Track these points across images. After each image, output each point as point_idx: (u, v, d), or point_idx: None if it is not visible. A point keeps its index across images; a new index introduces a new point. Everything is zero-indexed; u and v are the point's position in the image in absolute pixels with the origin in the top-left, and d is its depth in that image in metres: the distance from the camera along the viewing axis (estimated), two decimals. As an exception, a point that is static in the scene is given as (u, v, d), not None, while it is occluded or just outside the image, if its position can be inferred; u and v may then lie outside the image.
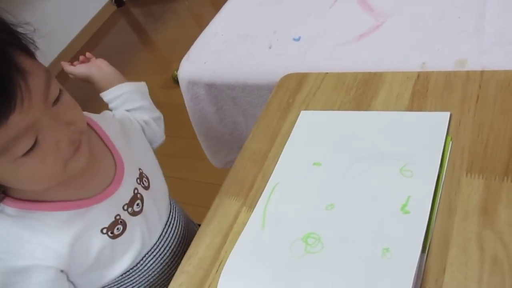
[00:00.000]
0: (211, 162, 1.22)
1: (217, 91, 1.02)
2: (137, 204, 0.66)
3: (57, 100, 0.52)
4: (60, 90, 0.53)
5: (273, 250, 0.57)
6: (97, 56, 0.84)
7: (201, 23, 2.29)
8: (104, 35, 3.16)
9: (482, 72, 0.66)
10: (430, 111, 0.64)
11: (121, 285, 0.69)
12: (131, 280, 0.69)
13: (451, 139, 0.59)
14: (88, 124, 0.65)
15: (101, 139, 0.67)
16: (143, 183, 0.69)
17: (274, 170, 0.67)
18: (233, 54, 0.98)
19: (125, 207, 0.65)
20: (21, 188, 0.56)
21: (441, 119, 0.61)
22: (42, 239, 0.57)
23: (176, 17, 2.90)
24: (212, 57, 1.01)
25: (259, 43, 0.97)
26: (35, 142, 0.49)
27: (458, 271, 0.48)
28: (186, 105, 1.10)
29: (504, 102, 0.61)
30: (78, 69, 0.81)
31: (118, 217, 0.64)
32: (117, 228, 0.64)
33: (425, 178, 0.55)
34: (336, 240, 0.54)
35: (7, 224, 0.57)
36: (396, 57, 0.78)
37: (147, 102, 0.80)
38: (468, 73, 0.67)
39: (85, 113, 0.68)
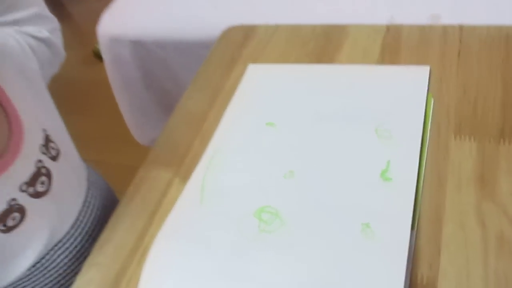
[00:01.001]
0: (135, 138, 1.05)
1: (144, 51, 0.86)
2: (42, 183, 0.48)
3: None
4: None
5: (215, 230, 0.43)
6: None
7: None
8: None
9: (461, 27, 0.57)
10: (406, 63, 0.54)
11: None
12: (32, 281, 0.52)
13: (432, 97, 0.49)
14: None
15: None
16: (49, 152, 0.51)
17: (215, 133, 0.53)
18: (165, 6, 0.83)
19: (24, 188, 0.47)
20: None
21: (420, 73, 0.51)
22: None
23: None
24: (140, 9, 0.85)
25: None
26: None
27: (457, 252, 0.38)
28: (106, 68, 0.92)
29: (489, 59, 0.52)
30: None
31: (13, 203, 0.46)
32: (12, 218, 0.46)
33: (407, 140, 0.45)
34: (300, 215, 0.41)
35: None
36: (358, 11, 0.67)
37: (39, 6, 0.58)
38: (445, 27, 0.58)
39: None
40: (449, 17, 0.63)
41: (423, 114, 0.47)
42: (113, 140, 1.61)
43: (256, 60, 0.62)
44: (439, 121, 0.47)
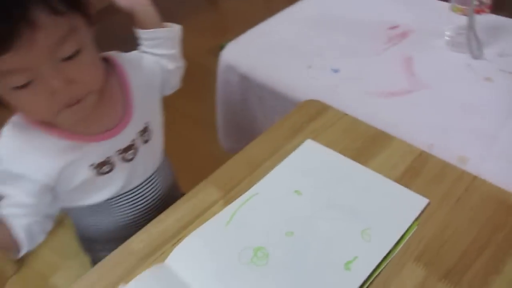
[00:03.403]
0: (220, 143, 1.28)
1: (248, 84, 1.08)
2: (131, 153, 0.74)
3: (70, 58, 0.57)
4: (79, 51, 0.58)
5: (225, 248, 0.63)
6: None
7: (270, 7, 2.30)
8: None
9: (474, 177, 0.70)
10: (414, 191, 0.69)
11: (96, 213, 0.78)
12: (103, 212, 0.78)
13: (417, 225, 0.64)
14: (114, 65, 0.72)
15: (121, 85, 0.73)
16: (143, 137, 0.76)
17: (260, 181, 0.73)
18: (274, 58, 1.03)
19: (119, 152, 0.72)
20: (22, 113, 0.64)
21: (419, 203, 0.66)
22: (38, 157, 0.65)
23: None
24: (255, 53, 1.07)
25: (301, 59, 1.02)
26: (29, 83, 0.55)
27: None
28: (218, 83, 1.16)
29: (477, 212, 0.66)
30: (121, 1, 0.76)
31: (109, 159, 0.71)
32: (104, 168, 0.72)
33: (378, 248, 0.61)
34: (280, 263, 0.60)
35: (16, 135, 0.65)
36: (411, 127, 0.82)
37: (177, 50, 0.83)
38: (463, 172, 0.71)
39: (114, 52, 0.75)
40: (474, 164, 0.75)
41: (402, 234, 0.63)
42: (204, 124, 1.85)
43: (315, 136, 0.80)
44: (409, 244, 0.62)
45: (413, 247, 0.62)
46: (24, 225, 0.67)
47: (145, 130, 0.76)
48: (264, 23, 1.18)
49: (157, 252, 0.66)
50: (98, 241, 0.84)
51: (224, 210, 0.69)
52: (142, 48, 0.80)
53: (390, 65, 0.98)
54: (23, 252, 0.68)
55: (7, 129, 0.66)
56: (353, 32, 1.09)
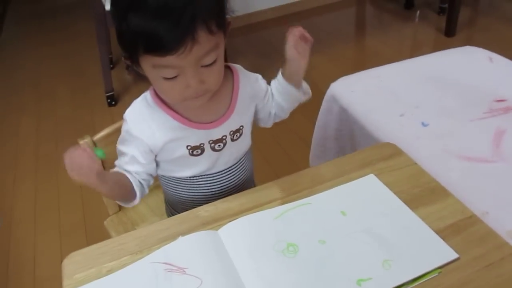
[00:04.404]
0: (310, 161, 1.41)
1: (346, 116, 1.19)
2: (219, 145, 0.90)
3: (208, 65, 0.75)
4: (215, 61, 0.75)
5: (266, 236, 0.76)
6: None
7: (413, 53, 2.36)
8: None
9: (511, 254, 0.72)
10: (449, 245, 0.73)
11: (180, 186, 0.96)
12: (185, 187, 0.96)
13: (438, 272, 0.70)
14: (233, 74, 0.89)
15: (232, 91, 0.89)
16: (235, 136, 0.92)
17: (316, 195, 0.84)
18: (373, 100, 1.13)
19: (210, 142, 0.89)
20: (159, 94, 0.83)
21: (448, 254, 0.71)
22: (154, 129, 0.85)
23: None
24: (360, 91, 1.17)
25: (397, 106, 1.10)
26: (175, 77, 0.74)
27: None
28: (320, 110, 1.29)
29: (503, 281, 0.68)
30: (293, 50, 0.81)
31: (201, 145, 0.88)
32: (196, 151, 0.89)
33: (393, 277, 0.68)
34: (305, 260, 0.71)
35: (143, 106, 0.86)
36: (473, 192, 0.85)
37: (290, 107, 0.95)
38: (505, 244, 0.74)
39: (238, 66, 0.92)
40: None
41: (420, 274, 0.68)
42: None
43: (379, 174, 0.88)
44: (427, 284, 0.68)
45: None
46: (139, 180, 0.87)
47: (237, 131, 0.91)
48: (378, 68, 1.28)
49: (216, 223, 0.81)
50: (177, 209, 1.01)
51: (278, 207, 0.82)
52: (271, 84, 0.95)
53: (481, 133, 1.01)
54: (135, 202, 0.88)
55: (139, 100, 0.87)
56: (458, 95, 1.14)
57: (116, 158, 0.90)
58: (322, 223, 0.78)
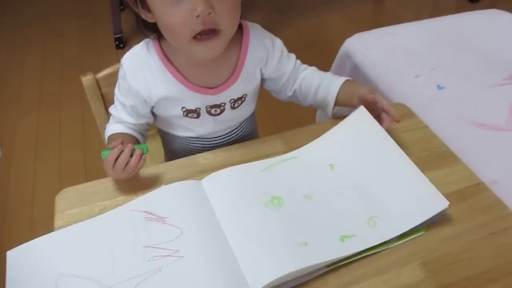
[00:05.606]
0: (316, 119, 1.37)
1: (358, 74, 1.14)
2: (216, 111, 0.85)
3: None
4: None
5: (250, 188, 0.72)
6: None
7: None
8: None
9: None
10: (454, 213, 0.70)
11: (178, 142, 0.92)
12: (182, 145, 0.92)
13: (425, 230, 0.67)
14: (243, 32, 0.81)
15: (240, 51, 0.81)
16: (235, 104, 0.86)
17: (304, 146, 0.81)
18: (388, 59, 1.08)
19: (207, 107, 0.84)
20: (165, 37, 0.75)
21: (437, 204, 0.67)
22: (150, 81, 0.79)
23: None
24: (374, 49, 1.12)
25: (413, 66, 1.05)
26: (178, 1, 0.66)
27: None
28: (332, 65, 1.24)
29: (504, 251, 0.66)
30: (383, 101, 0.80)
31: (197, 109, 0.83)
32: (192, 114, 0.84)
33: (376, 236, 0.66)
34: (288, 214, 0.68)
35: (143, 54, 0.79)
36: (485, 160, 0.82)
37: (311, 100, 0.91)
38: (510, 214, 0.71)
39: (253, 24, 0.84)
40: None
41: (402, 232, 0.66)
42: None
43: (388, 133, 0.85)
44: (423, 247, 0.66)
45: (425, 252, 0.66)
46: (141, 132, 0.85)
47: (239, 99, 0.85)
48: (395, 26, 1.22)
49: (214, 171, 0.78)
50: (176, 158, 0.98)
51: (265, 160, 0.79)
52: (310, 76, 0.89)
53: (498, 100, 0.96)
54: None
55: (139, 47, 0.80)
56: (478, 59, 1.08)
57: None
58: (309, 178, 0.75)
